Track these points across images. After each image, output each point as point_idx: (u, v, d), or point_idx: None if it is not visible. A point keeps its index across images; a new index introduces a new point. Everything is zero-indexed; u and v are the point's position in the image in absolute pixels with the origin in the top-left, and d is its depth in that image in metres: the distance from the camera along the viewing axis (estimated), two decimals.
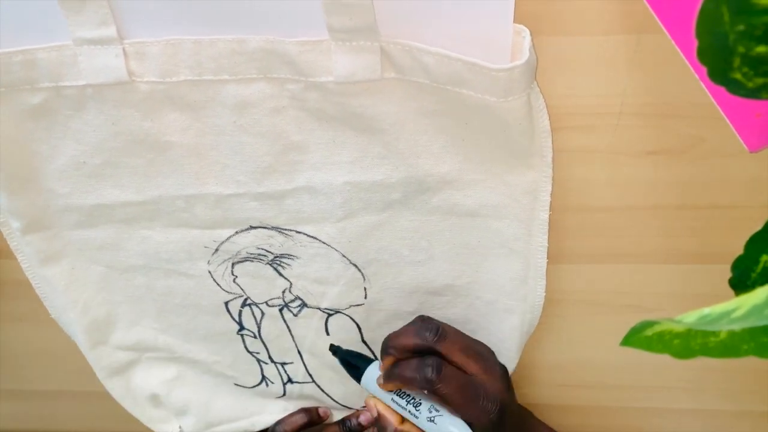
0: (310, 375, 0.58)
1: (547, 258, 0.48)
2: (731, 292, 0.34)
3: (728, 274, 0.34)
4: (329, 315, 0.54)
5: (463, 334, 0.49)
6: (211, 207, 0.47)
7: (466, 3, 0.37)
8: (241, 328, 0.55)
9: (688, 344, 0.25)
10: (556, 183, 0.45)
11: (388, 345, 0.48)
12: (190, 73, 0.41)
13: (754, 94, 0.27)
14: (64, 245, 0.51)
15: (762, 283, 0.32)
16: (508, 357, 0.53)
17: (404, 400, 0.49)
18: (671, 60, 0.39)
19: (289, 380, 0.59)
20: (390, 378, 0.48)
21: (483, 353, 0.48)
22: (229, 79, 0.41)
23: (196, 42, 0.40)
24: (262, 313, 0.54)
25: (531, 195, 0.45)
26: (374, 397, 0.50)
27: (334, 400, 0.60)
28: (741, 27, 0.24)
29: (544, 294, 0.51)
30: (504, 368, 0.48)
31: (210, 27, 0.39)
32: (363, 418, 0.58)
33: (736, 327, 0.22)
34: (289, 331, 0.55)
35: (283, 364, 0.58)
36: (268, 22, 0.39)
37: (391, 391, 0.49)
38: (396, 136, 0.43)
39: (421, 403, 0.48)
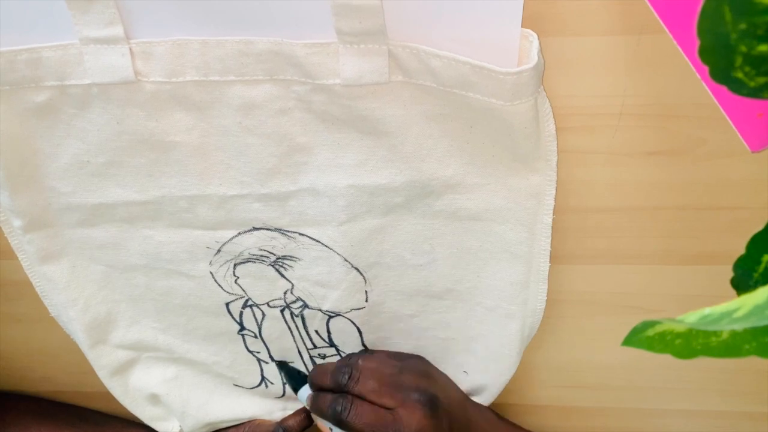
0: None
1: (548, 261, 0.48)
2: (733, 293, 0.34)
3: (730, 275, 0.34)
4: (330, 317, 0.54)
5: (382, 369, 0.52)
6: (215, 208, 0.47)
7: (475, 7, 0.37)
8: (242, 328, 0.55)
9: (690, 344, 0.25)
10: (557, 184, 0.45)
11: (310, 379, 0.54)
12: (197, 74, 0.41)
13: (756, 93, 0.26)
14: (65, 244, 0.51)
15: (764, 283, 0.32)
16: (509, 361, 0.53)
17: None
18: (672, 60, 0.39)
19: None
20: (311, 407, 0.53)
21: (401, 384, 0.50)
22: (235, 80, 0.41)
23: (203, 43, 0.40)
24: (263, 314, 0.54)
25: (535, 199, 0.45)
26: (320, 423, 0.54)
27: None
28: (743, 26, 0.24)
29: (546, 296, 0.51)
30: (428, 397, 0.49)
31: (217, 28, 0.39)
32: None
33: (738, 327, 0.22)
34: (290, 331, 0.55)
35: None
36: (275, 24, 0.39)
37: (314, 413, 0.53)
38: (401, 139, 0.43)
39: None
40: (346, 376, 0.50)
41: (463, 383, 0.56)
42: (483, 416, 0.55)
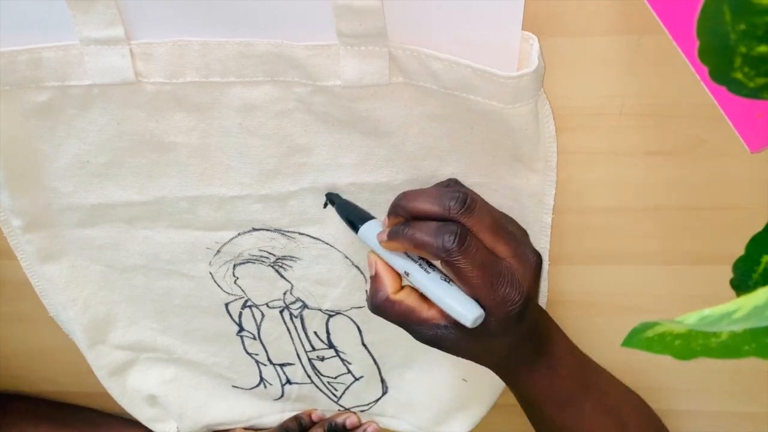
0: (309, 376, 0.58)
1: (548, 260, 0.48)
2: (732, 293, 0.34)
3: (729, 275, 0.34)
4: (330, 316, 0.54)
5: (494, 210, 0.42)
6: (215, 208, 0.47)
7: (475, 9, 0.37)
8: (241, 329, 0.55)
9: (689, 345, 0.25)
10: (557, 184, 0.45)
11: (398, 204, 0.41)
12: (197, 75, 0.41)
13: (755, 94, 0.26)
14: (65, 244, 0.51)
15: (763, 284, 0.32)
16: None
17: (413, 260, 0.42)
18: (672, 60, 0.39)
19: (288, 381, 0.59)
20: (396, 237, 0.40)
21: (515, 235, 0.42)
22: (235, 81, 0.41)
23: (204, 44, 0.40)
24: (263, 315, 0.54)
25: (535, 198, 0.45)
26: (376, 254, 0.43)
27: (333, 401, 0.60)
28: (742, 27, 0.24)
29: (546, 296, 0.51)
30: (538, 257, 0.42)
31: (218, 29, 0.39)
32: (348, 422, 0.58)
33: (738, 328, 0.22)
34: (289, 332, 0.55)
35: (282, 365, 0.58)
36: (275, 26, 0.39)
37: (395, 251, 0.42)
38: (402, 139, 0.43)
39: (434, 267, 0.42)
40: (460, 203, 0.39)
41: (461, 393, 0.56)
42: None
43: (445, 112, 0.42)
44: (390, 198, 0.46)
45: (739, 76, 0.26)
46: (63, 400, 0.65)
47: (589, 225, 0.48)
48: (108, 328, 0.56)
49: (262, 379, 0.59)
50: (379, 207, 0.46)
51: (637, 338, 0.25)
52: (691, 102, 0.42)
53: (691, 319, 0.23)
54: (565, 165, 0.45)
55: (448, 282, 0.41)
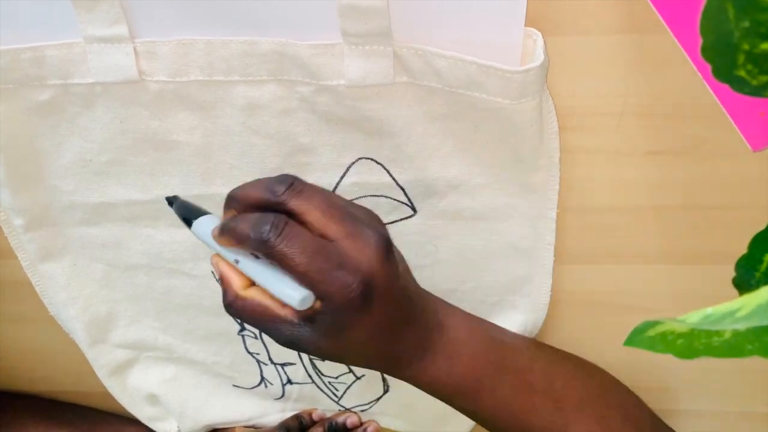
0: (310, 376, 0.58)
1: (553, 256, 0.48)
2: (735, 292, 0.34)
3: (731, 275, 0.34)
4: None
5: (329, 193, 0.39)
6: (217, 207, 0.47)
7: (478, 7, 0.37)
8: (242, 328, 0.55)
9: (692, 344, 0.25)
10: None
11: (229, 195, 0.39)
12: (201, 74, 0.41)
13: (758, 91, 0.26)
14: (66, 242, 0.51)
15: (765, 283, 0.32)
16: None
17: (247, 256, 0.39)
18: (673, 60, 0.39)
19: (289, 381, 0.59)
20: (223, 232, 0.38)
21: (352, 214, 0.38)
22: (239, 80, 0.41)
23: (208, 43, 0.40)
24: None
25: (538, 194, 0.45)
26: (219, 255, 0.40)
27: (333, 401, 0.60)
28: (746, 24, 0.24)
29: (550, 293, 0.50)
30: (380, 235, 0.37)
31: (222, 28, 0.39)
32: (349, 421, 0.57)
33: (740, 326, 0.22)
34: None
35: (283, 365, 0.58)
36: (279, 25, 0.39)
37: (228, 247, 0.39)
38: (405, 139, 0.43)
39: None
40: (286, 184, 0.37)
41: None
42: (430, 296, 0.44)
43: (449, 112, 0.42)
44: (391, 200, 0.46)
45: (742, 73, 0.26)
46: (62, 400, 0.65)
47: (590, 224, 0.48)
48: (109, 327, 0.56)
49: (263, 378, 0.59)
50: (381, 208, 0.46)
51: (639, 337, 0.25)
52: (693, 101, 0.42)
53: (693, 318, 0.23)
54: (566, 164, 0.45)
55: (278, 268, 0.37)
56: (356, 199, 0.46)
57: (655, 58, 0.41)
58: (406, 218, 0.47)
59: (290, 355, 0.57)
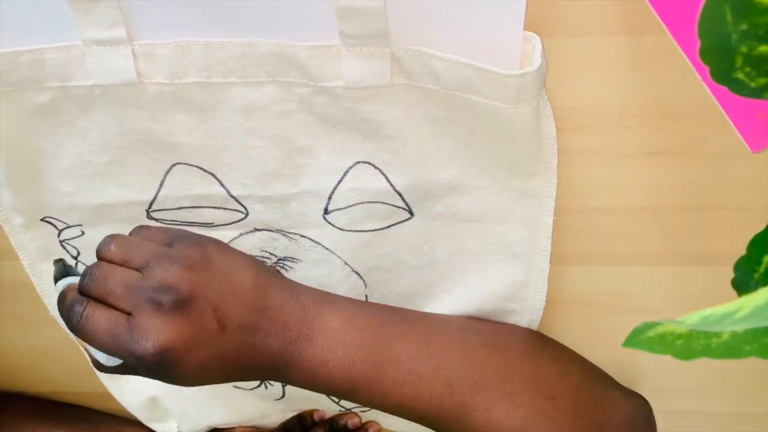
0: None
1: (549, 262, 0.48)
2: (733, 293, 0.34)
3: (730, 276, 0.34)
4: None
5: (137, 252, 0.40)
6: (216, 209, 0.47)
7: (477, 10, 0.37)
8: None
9: (690, 345, 0.25)
10: (557, 185, 0.45)
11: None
12: (199, 75, 0.41)
13: (756, 94, 0.26)
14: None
15: (764, 284, 0.32)
16: None
17: None
18: (672, 61, 0.39)
19: None
20: (58, 305, 0.42)
21: (140, 284, 0.39)
22: (237, 81, 0.41)
23: (206, 44, 0.40)
24: None
25: (536, 199, 0.45)
26: None
27: (334, 402, 0.60)
28: (744, 26, 0.24)
29: (545, 298, 0.50)
30: (179, 293, 0.39)
31: (220, 29, 0.39)
32: (350, 423, 0.57)
33: (739, 328, 0.22)
34: None
35: None
36: (277, 26, 0.39)
37: None
38: (403, 142, 0.43)
39: None
40: (85, 277, 0.40)
41: None
42: (303, 303, 0.43)
43: (446, 115, 0.42)
44: (388, 204, 0.46)
45: (740, 76, 0.26)
46: (63, 400, 0.65)
47: (589, 225, 0.48)
48: None
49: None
50: (378, 214, 0.46)
51: (638, 338, 0.25)
52: (692, 102, 0.42)
53: (692, 319, 0.23)
54: (565, 165, 0.45)
55: None
56: (353, 206, 0.46)
57: (655, 60, 0.41)
58: (403, 221, 0.47)
59: None
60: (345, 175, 0.45)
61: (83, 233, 0.50)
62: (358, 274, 0.50)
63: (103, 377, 0.58)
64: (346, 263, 0.49)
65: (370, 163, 0.44)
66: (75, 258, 0.52)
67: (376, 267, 0.49)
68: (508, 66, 0.38)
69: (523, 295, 0.50)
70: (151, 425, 0.61)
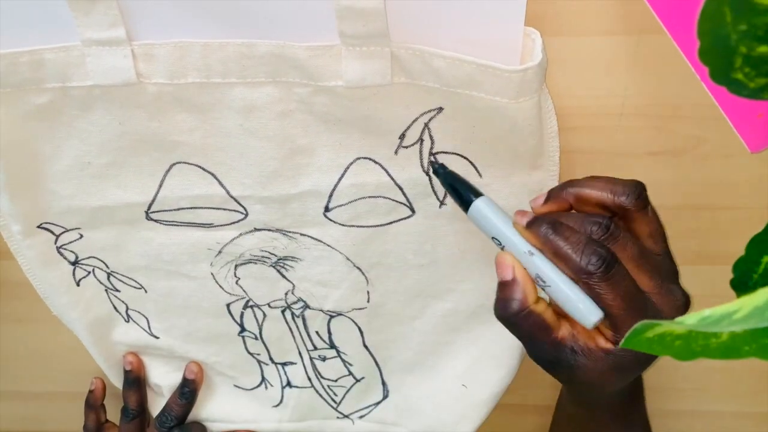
0: (309, 379, 0.58)
1: None
2: (732, 293, 0.34)
3: (729, 276, 0.34)
4: (331, 317, 0.54)
5: (641, 245, 0.38)
6: (216, 209, 0.47)
7: (477, 8, 0.37)
8: (242, 329, 0.55)
9: (690, 346, 0.25)
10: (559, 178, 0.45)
11: (549, 196, 0.40)
12: (198, 76, 0.41)
13: (755, 94, 0.26)
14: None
15: (763, 285, 0.32)
16: (510, 365, 0.53)
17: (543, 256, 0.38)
18: (672, 60, 0.39)
19: (288, 384, 0.59)
20: (537, 231, 0.38)
21: (662, 270, 0.38)
22: (237, 82, 0.41)
23: (205, 45, 0.40)
24: (264, 315, 0.54)
25: (538, 194, 0.45)
26: (510, 254, 0.39)
27: (332, 407, 0.60)
28: (743, 27, 0.24)
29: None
30: (687, 298, 0.38)
31: (219, 30, 0.39)
32: None
33: (738, 328, 0.22)
34: (291, 332, 0.55)
35: (284, 364, 0.58)
36: (277, 26, 0.39)
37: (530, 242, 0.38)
38: (403, 139, 0.43)
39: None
40: (603, 228, 0.37)
41: (461, 399, 0.56)
42: None
43: (447, 112, 0.42)
44: (390, 200, 0.46)
45: (739, 76, 0.26)
46: (62, 402, 0.65)
47: None
48: (110, 326, 0.56)
49: (263, 378, 0.59)
50: (380, 208, 0.46)
51: (638, 339, 0.25)
52: (692, 102, 0.42)
53: (691, 319, 0.23)
54: (565, 165, 0.45)
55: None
56: (354, 201, 0.46)
57: (655, 59, 0.41)
58: (405, 218, 0.47)
59: (291, 353, 0.57)
60: (345, 171, 0.45)
61: (81, 236, 0.50)
62: (360, 270, 0.50)
63: (107, 368, 0.58)
64: (347, 258, 0.49)
65: (370, 159, 0.44)
66: (73, 263, 0.52)
67: (378, 263, 0.50)
68: (509, 62, 0.38)
69: None
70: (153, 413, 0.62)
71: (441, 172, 0.43)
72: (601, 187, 0.38)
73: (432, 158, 0.43)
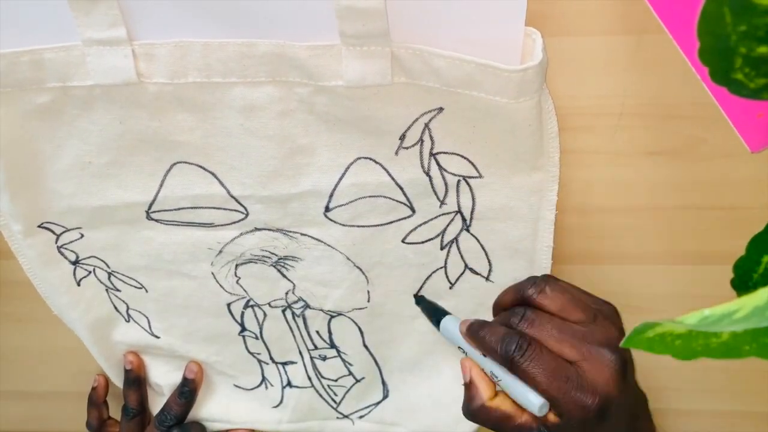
0: (309, 378, 0.58)
1: (551, 258, 0.48)
2: (733, 293, 0.34)
3: (730, 275, 0.34)
4: (332, 317, 0.54)
5: (558, 321, 0.42)
6: (216, 208, 0.47)
7: (478, 7, 0.37)
8: (243, 329, 0.55)
9: (690, 345, 0.25)
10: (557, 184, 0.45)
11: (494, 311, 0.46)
12: (199, 75, 0.41)
13: (755, 94, 0.27)
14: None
15: (763, 284, 0.32)
16: None
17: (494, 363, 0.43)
18: (672, 60, 0.39)
19: (289, 383, 0.59)
20: (471, 334, 0.43)
21: (586, 337, 0.41)
22: (237, 81, 0.41)
23: (205, 45, 0.40)
24: (265, 315, 0.54)
25: (537, 195, 0.45)
26: (470, 359, 0.44)
27: (332, 407, 0.60)
28: (743, 27, 0.24)
29: None
30: (619, 355, 0.40)
31: (220, 29, 0.39)
32: None
33: (738, 328, 0.22)
34: (291, 331, 0.55)
35: (284, 364, 0.58)
36: (277, 26, 0.39)
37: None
38: (404, 138, 0.43)
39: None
40: (519, 316, 0.42)
41: (460, 399, 0.56)
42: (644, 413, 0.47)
43: (447, 112, 0.42)
44: (390, 200, 0.46)
45: (739, 76, 0.26)
46: (62, 401, 0.65)
47: (589, 225, 0.48)
48: (111, 326, 0.56)
49: (264, 378, 0.59)
50: (380, 208, 0.46)
51: (638, 338, 0.25)
52: (692, 102, 0.42)
53: (691, 319, 0.23)
54: (565, 165, 0.45)
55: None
56: (355, 201, 0.46)
57: (655, 59, 0.41)
58: (405, 218, 0.47)
59: (291, 353, 0.57)
60: (346, 171, 0.45)
61: (82, 236, 0.50)
62: (360, 270, 0.50)
63: (107, 368, 0.58)
64: (348, 258, 0.49)
65: (371, 159, 0.44)
66: (74, 263, 0.52)
67: (379, 263, 0.50)
68: (509, 62, 0.38)
69: None
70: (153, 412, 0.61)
71: (420, 300, 0.51)
72: (508, 292, 0.44)
73: (416, 296, 0.51)
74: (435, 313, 0.49)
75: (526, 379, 0.40)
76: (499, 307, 0.45)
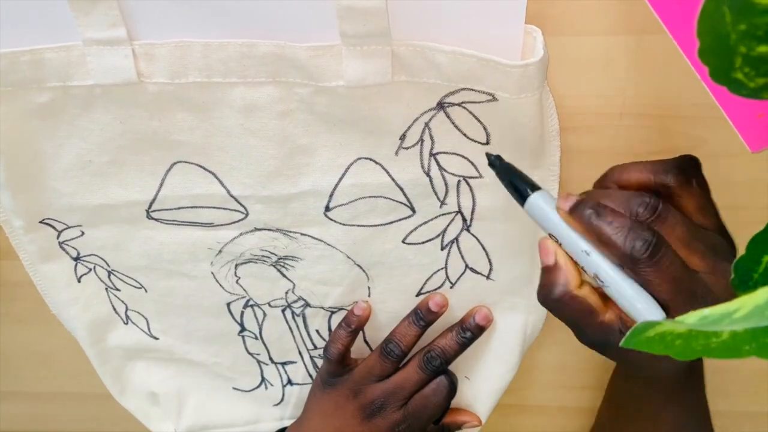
0: (310, 376, 0.58)
1: None
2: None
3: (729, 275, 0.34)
4: (332, 313, 0.54)
5: (690, 223, 0.36)
6: (216, 208, 0.48)
7: (478, 6, 0.37)
8: (242, 329, 0.55)
9: (690, 345, 0.25)
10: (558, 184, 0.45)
11: (606, 175, 0.38)
12: (199, 75, 0.41)
13: (755, 94, 0.26)
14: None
15: (764, 284, 0.32)
16: (509, 364, 0.53)
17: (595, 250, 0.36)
18: (672, 60, 0.39)
19: (289, 382, 0.59)
20: (580, 216, 0.36)
21: (715, 248, 0.36)
22: (237, 81, 0.41)
23: (206, 45, 0.40)
24: (264, 314, 0.54)
25: None
26: (552, 239, 0.38)
27: None
28: (742, 27, 0.24)
29: None
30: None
31: (220, 29, 0.39)
32: (432, 303, 0.51)
33: (738, 328, 0.22)
34: (291, 331, 0.55)
35: (284, 364, 0.58)
36: (277, 26, 0.39)
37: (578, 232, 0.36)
38: (404, 138, 0.43)
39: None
40: (650, 210, 0.35)
41: (465, 391, 0.56)
42: None
43: (447, 110, 0.42)
44: (390, 200, 0.46)
45: (739, 76, 0.26)
46: (62, 402, 0.65)
47: None
48: (109, 327, 0.56)
49: (263, 379, 0.59)
50: (380, 208, 0.46)
51: (638, 338, 0.25)
52: (692, 102, 0.42)
53: (691, 318, 0.23)
54: (565, 164, 0.45)
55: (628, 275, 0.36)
56: (355, 201, 0.46)
57: (655, 59, 0.41)
58: (405, 218, 0.47)
59: (291, 353, 0.57)
60: (346, 171, 0.45)
61: (83, 233, 0.50)
62: (361, 268, 0.50)
63: (104, 374, 0.58)
64: (348, 257, 0.49)
65: (371, 159, 0.44)
66: (75, 259, 0.52)
67: (379, 262, 0.50)
68: (510, 59, 0.38)
69: (528, 290, 0.50)
70: (149, 425, 0.61)
71: (497, 164, 0.40)
72: (640, 169, 0.37)
73: (491, 157, 0.40)
74: (516, 181, 0.39)
75: (647, 285, 0.34)
76: (611, 180, 0.38)
